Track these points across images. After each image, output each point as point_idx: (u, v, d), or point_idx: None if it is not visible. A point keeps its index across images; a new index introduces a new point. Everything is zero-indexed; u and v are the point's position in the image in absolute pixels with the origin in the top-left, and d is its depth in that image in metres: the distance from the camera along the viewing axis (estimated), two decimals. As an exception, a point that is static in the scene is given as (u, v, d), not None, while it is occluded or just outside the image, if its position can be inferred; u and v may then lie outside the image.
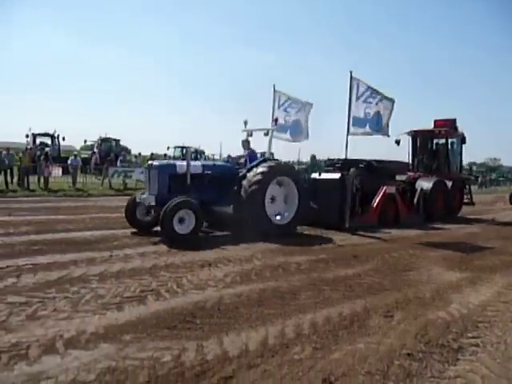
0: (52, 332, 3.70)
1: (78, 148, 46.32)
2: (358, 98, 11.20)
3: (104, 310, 4.31)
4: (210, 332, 3.87)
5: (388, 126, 11.29)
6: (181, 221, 7.76)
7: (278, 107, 12.63)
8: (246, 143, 10.06)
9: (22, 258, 6.19)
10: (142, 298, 4.72)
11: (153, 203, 8.29)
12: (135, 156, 28.28)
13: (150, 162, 9.56)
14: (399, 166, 13.51)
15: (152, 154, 26.96)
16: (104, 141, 30.22)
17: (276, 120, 11.08)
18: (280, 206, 9.45)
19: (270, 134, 9.99)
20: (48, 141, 30.23)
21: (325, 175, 11.19)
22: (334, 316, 4.42)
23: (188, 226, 7.81)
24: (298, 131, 12.22)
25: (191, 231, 7.82)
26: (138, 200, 8.80)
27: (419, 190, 13.08)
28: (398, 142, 15.04)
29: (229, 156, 11.10)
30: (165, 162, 10.96)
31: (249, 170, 9.14)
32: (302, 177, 11.20)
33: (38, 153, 22.02)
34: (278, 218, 9.36)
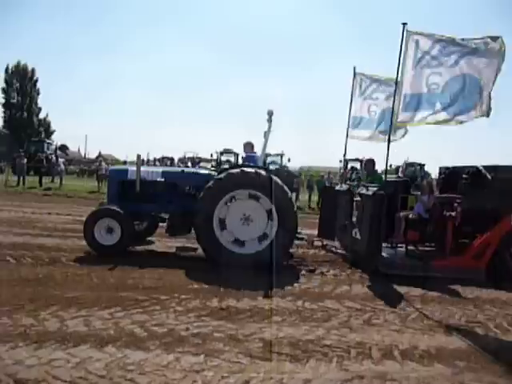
0: (388, 340, 4.13)
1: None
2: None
3: (431, 332, 4.47)
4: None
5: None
6: (109, 231, 7.12)
7: (361, 95, 9.16)
8: (248, 146, 8.06)
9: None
10: (470, 329, 4.65)
11: None
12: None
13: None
14: None
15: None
16: (409, 165, 30.49)
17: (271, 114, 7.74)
18: (261, 228, 6.90)
19: (267, 134, 7.65)
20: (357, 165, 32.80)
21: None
22: None
23: (115, 237, 7.10)
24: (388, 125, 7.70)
25: (116, 243, 7.07)
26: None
27: None
28: None
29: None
30: (119, 166, 9.99)
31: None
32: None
33: (353, 176, 24.12)
34: (249, 244, 6.90)
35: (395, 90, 6.47)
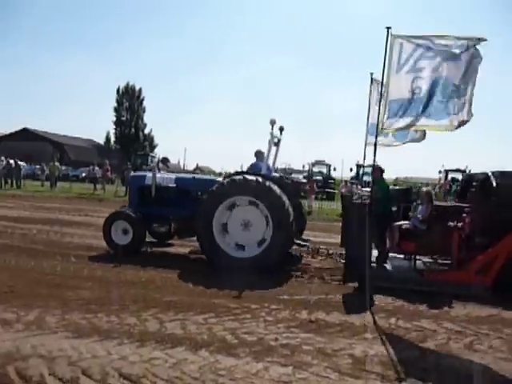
0: (494, 368, 3.77)
1: None
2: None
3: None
4: None
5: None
6: (125, 232, 7.82)
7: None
8: (259, 154, 8.15)
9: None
10: None
11: None
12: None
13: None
14: None
15: None
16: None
17: (282, 129, 8.17)
18: (260, 234, 7.08)
19: (270, 142, 7.80)
20: (459, 176, 30.64)
21: None
22: None
23: (129, 237, 7.78)
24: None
25: (129, 243, 7.75)
26: None
27: None
28: None
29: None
30: (139, 173, 10.47)
31: None
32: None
33: (453, 188, 22.70)
34: (249, 249, 7.11)
35: (381, 95, 6.03)
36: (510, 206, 6.07)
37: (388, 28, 5.87)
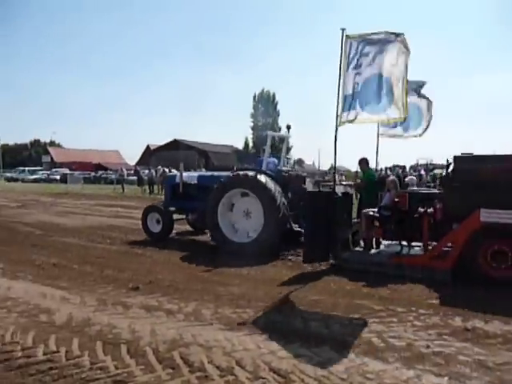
0: None
1: None
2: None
3: None
4: None
5: None
6: (158, 222, 9.50)
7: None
8: (263, 151, 9.35)
9: None
10: None
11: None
12: None
13: None
14: None
15: None
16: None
17: (289, 127, 9.54)
18: (259, 221, 7.95)
19: (285, 141, 10.02)
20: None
21: None
22: None
23: (160, 226, 9.47)
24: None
25: (159, 231, 9.46)
26: None
27: None
28: None
29: None
30: (173, 173, 11.88)
31: None
32: None
33: None
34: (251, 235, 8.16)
35: (338, 92, 6.34)
36: (466, 190, 6.00)
37: (343, 29, 6.31)
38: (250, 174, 8.10)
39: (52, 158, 67.76)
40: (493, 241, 5.86)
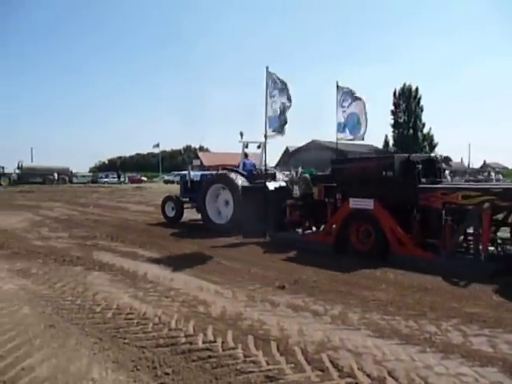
0: None
1: None
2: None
3: None
4: None
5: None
6: (172, 209, 12.89)
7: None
8: (242, 154, 11.78)
9: None
10: None
11: None
12: None
13: None
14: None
15: None
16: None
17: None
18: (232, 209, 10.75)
19: (261, 147, 11.59)
20: None
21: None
22: None
23: (174, 212, 12.90)
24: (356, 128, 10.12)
25: (173, 216, 12.84)
26: None
27: None
28: None
29: None
30: (185, 172, 14.13)
31: None
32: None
33: None
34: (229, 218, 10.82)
35: (265, 113, 9.45)
36: (341, 184, 8.39)
37: (267, 67, 9.41)
38: (227, 172, 11.06)
39: (201, 162, 74.06)
40: (359, 222, 7.64)
